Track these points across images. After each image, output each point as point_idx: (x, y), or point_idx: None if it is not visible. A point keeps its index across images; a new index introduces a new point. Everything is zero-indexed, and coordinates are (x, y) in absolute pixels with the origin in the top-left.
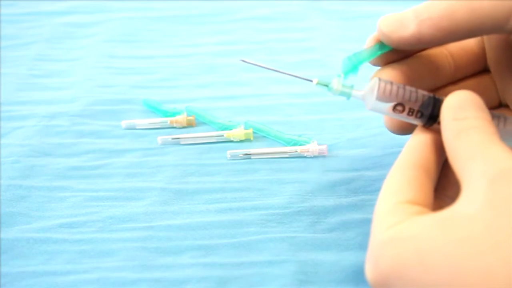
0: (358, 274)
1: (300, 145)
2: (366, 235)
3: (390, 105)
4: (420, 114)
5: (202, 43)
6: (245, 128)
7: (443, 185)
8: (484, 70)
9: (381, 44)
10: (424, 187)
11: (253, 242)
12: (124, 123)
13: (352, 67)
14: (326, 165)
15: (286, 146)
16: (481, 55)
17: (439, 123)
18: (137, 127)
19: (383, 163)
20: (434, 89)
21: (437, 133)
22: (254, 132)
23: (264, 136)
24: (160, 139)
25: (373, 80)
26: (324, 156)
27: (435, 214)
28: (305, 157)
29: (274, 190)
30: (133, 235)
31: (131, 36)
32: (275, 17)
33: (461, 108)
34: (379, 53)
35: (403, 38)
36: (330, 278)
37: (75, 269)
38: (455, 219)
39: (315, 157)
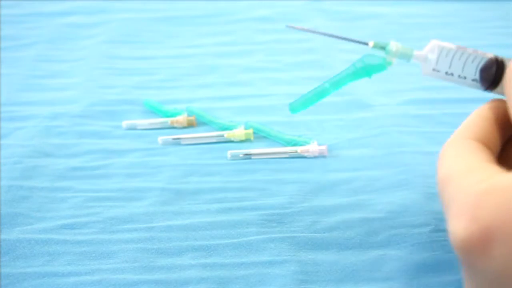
0: (358, 273)
1: (300, 145)
2: (366, 234)
3: (449, 67)
4: (481, 76)
5: (202, 44)
6: (246, 128)
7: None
8: None
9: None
10: (490, 158)
11: (254, 242)
12: (125, 124)
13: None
14: (326, 165)
15: (286, 146)
16: None
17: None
18: (138, 128)
19: (383, 163)
20: None
21: (499, 109)
22: (254, 133)
23: (265, 137)
24: (160, 139)
25: (432, 42)
26: (324, 156)
27: None
28: (305, 157)
29: (274, 190)
30: (134, 236)
31: (131, 37)
32: (275, 17)
33: None
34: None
35: None
36: (330, 278)
37: (76, 271)
38: None
39: (315, 157)
